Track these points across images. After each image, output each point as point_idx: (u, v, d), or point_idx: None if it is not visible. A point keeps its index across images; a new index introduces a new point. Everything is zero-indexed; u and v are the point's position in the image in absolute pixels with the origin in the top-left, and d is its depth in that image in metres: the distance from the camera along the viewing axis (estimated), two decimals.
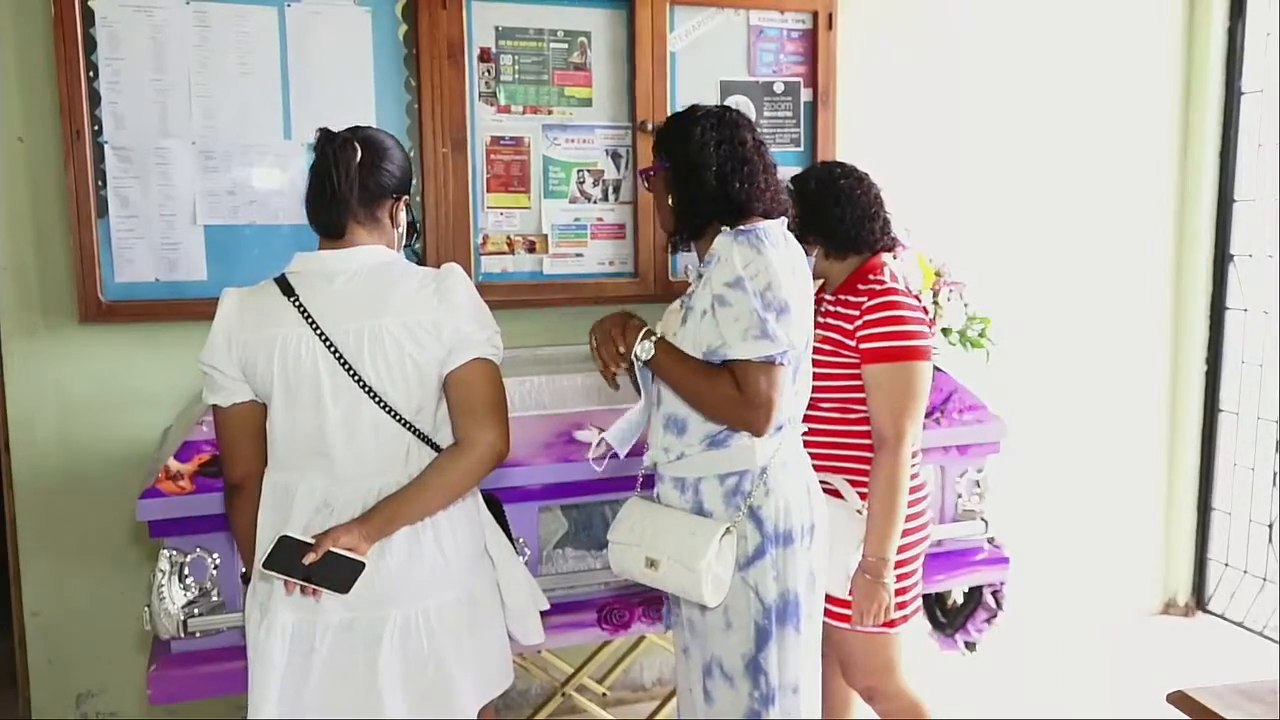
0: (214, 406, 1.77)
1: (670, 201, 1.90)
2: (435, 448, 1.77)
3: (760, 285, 1.75)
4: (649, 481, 1.99)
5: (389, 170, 1.78)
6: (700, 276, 1.85)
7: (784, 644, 1.86)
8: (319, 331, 1.69)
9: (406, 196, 1.84)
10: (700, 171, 1.84)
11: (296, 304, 1.71)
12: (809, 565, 1.89)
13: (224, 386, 1.74)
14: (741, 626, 1.86)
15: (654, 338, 1.81)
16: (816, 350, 2.17)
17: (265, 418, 1.76)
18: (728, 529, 1.80)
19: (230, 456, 1.79)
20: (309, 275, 1.74)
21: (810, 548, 1.89)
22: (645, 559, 1.85)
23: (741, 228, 1.81)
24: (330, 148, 1.74)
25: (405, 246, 1.88)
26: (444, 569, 1.77)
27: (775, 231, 1.84)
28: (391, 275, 1.74)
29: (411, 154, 2.73)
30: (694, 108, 1.94)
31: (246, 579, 1.86)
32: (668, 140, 1.90)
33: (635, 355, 1.81)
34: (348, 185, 1.72)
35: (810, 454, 2.17)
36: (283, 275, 1.75)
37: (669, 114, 1.98)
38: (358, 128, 1.80)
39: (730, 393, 1.77)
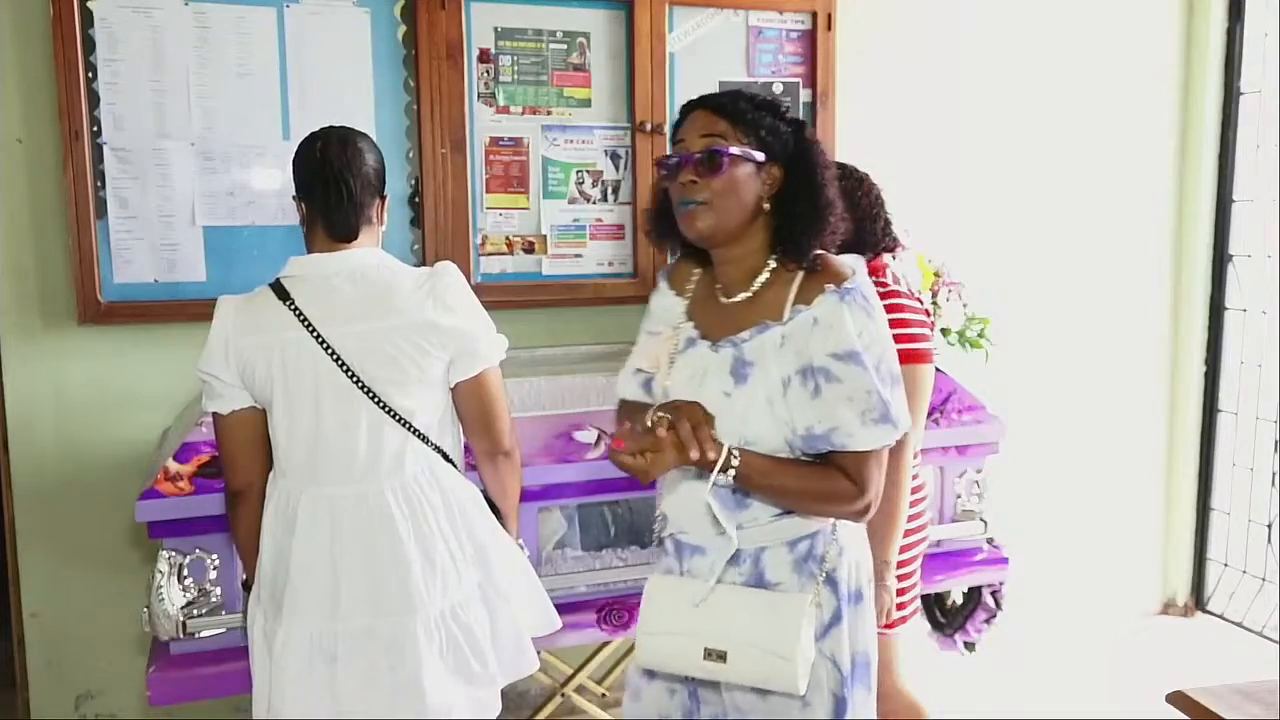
0: (214, 414, 1.77)
1: (763, 205, 1.54)
2: (436, 449, 1.78)
3: (876, 357, 1.48)
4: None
5: (375, 170, 1.80)
6: (765, 328, 1.51)
7: (857, 707, 1.61)
8: (317, 336, 1.69)
9: (387, 195, 1.86)
10: (827, 196, 1.54)
11: (293, 308, 1.71)
12: (873, 615, 1.67)
13: (223, 394, 1.74)
14: (820, 702, 1.57)
15: (736, 456, 1.45)
16: None
17: (265, 424, 1.77)
18: (812, 600, 1.53)
19: (231, 464, 1.79)
20: (305, 279, 1.74)
21: (873, 595, 1.67)
22: (705, 650, 1.51)
23: (847, 285, 1.50)
24: (344, 153, 1.75)
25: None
26: (459, 568, 1.78)
27: (868, 284, 1.54)
28: (387, 277, 1.75)
29: (410, 155, 2.73)
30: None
31: (248, 586, 1.87)
32: (768, 128, 1.52)
33: (714, 482, 1.45)
34: (360, 188, 1.74)
35: None
36: (277, 280, 1.76)
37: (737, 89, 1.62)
38: (338, 129, 1.81)
39: (846, 488, 1.49)
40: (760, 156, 1.51)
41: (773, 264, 1.55)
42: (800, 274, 1.53)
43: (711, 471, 1.43)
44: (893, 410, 1.48)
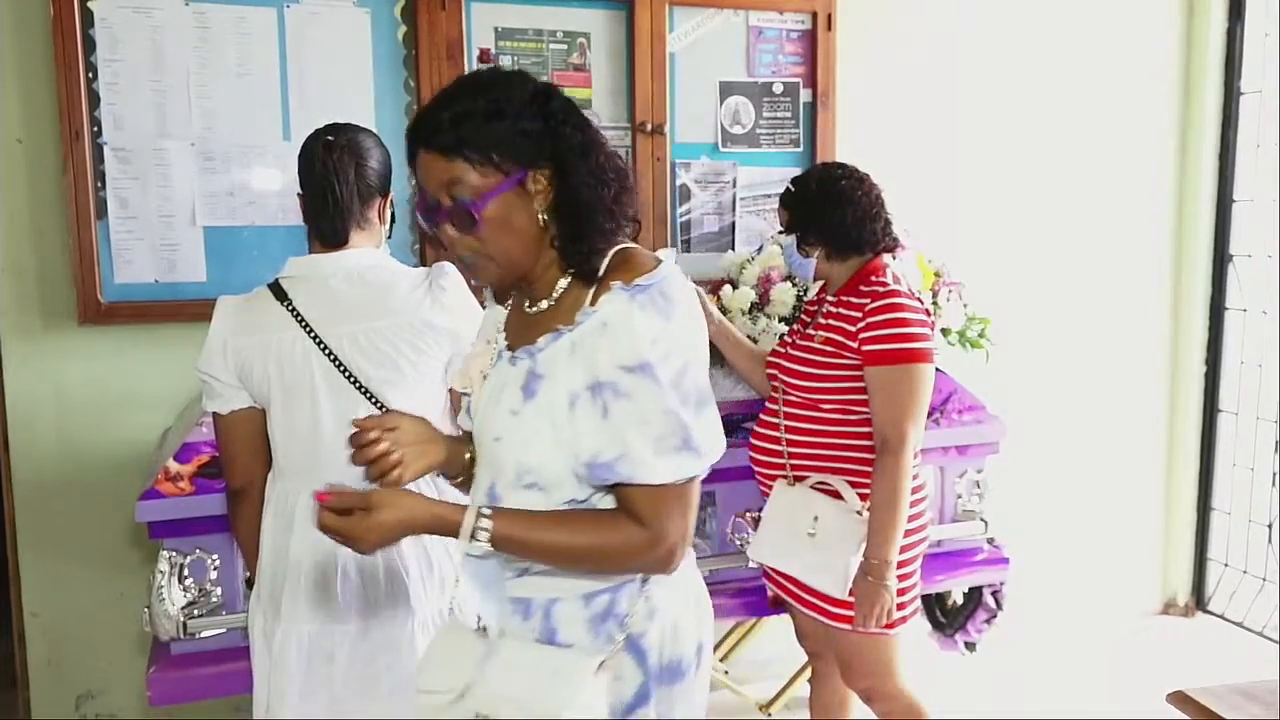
0: (213, 414, 1.78)
1: (541, 220, 1.30)
2: None
3: (674, 371, 1.22)
4: None
5: (376, 170, 1.79)
6: (558, 335, 1.26)
7: None
8: (314, 335, 1.69)
9: (391, 194, 1.85)
10: (589, 189, 1.31)
11: (290, 309, 1.71)
12: (699, 697, 1.40)
13: (221, 394, 1.74)
14: None
15: (486, 518, 1.23)
16: (817, 352, 2.17)
17: (265, 423, 1.77)
18: (602, 663, 1.28)
19: (231, 463, 1.79)
20: (302, 280, 1.75)
21: (698, 674, 1.38)
22: (475, 714, 1.29)
23: (640, 282, 1.23)
24: (329, 158, 1.73)
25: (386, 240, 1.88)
26: (456, 568, 1.78)
27: (675, 277, 1.27)
28: (384, 277, 1.75)
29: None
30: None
31: (250, 584, 1.87)
32: (505, 139, 1.25)
33: (466, 552, 1.26)
34: (349, 194, 1.73)
35: (811, 454, 2.18)
36: (276, 281, 1.76)
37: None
38: (339, 129, 1.79)
39: (634, 537, 1.24)
40: (514, 176, 1.24)
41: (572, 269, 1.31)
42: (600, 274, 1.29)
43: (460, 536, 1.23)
44: (695, 436, 1.23)
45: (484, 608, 1.35)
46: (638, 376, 1.21)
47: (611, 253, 1.28)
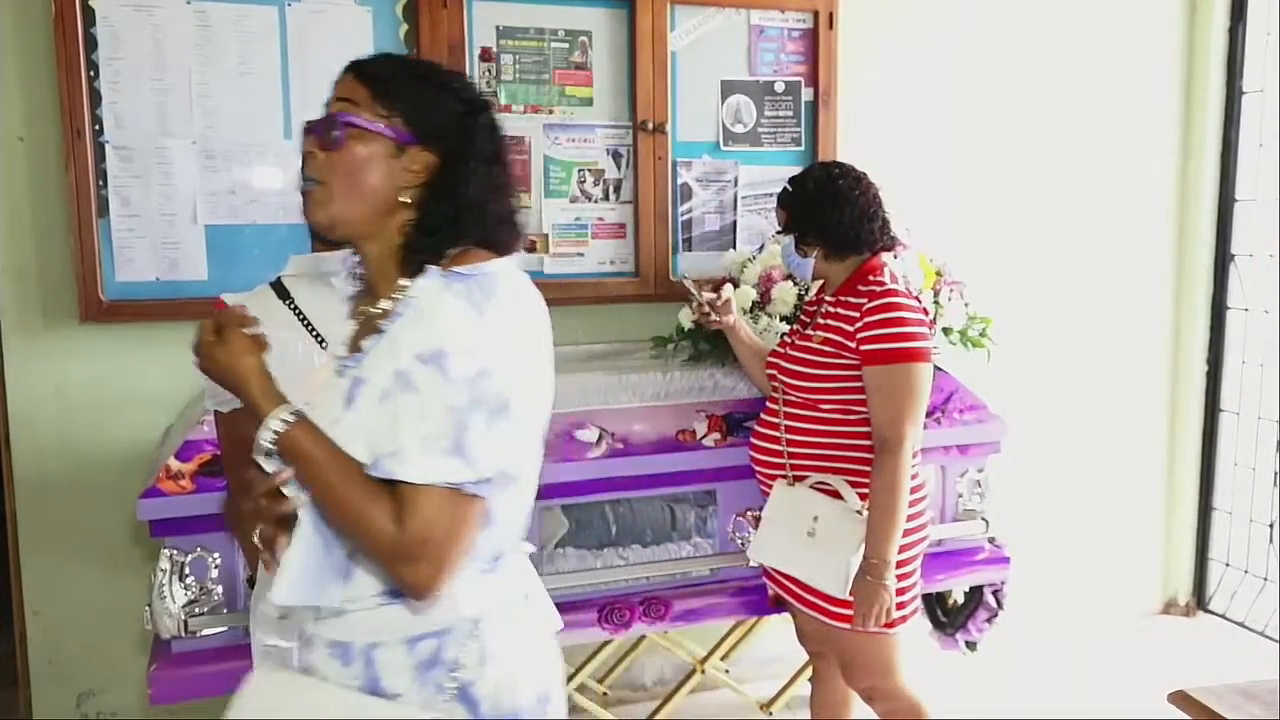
0: (215, 412, 1.78)
1: (400, 198, 1.26)
2: None
3: (472, 369, 1.13)
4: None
5: None
6: (381, 336, 1.19)
7: None
8: (315, 334, 1.69)
9: None
10: (472, 191, 1.28)
11: (292, 307, 1.71)
12: None
13: (223, 391, 1.74)
14: None
15: (290, 412, 1.16)
16: (816, 352, 2.17)
17: None
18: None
19: (233, 462, 1.79)
20: (304, 278, 1.75)
21: None
22: None
23: (460, 270, 1.19)
24: None
25: None
26: None
27: (507, 279, 1.25)
28: None
29: None
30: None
31: (251, 582, 1.87)
32: (420, 103, 1.26)
33: (258, 442, 1.16)
34: None
35: (811, 454, 2.18)
36: (278, 279, 1.76)
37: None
38: None
39: (384, 529, 1.12)
40: (397, 134, 1.22)
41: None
42: None
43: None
44: (471, 441, 1.12)
45: (301, 651, 1.26)
46: (429, 367, 1.12)
47: (452, 253, 1.23)
